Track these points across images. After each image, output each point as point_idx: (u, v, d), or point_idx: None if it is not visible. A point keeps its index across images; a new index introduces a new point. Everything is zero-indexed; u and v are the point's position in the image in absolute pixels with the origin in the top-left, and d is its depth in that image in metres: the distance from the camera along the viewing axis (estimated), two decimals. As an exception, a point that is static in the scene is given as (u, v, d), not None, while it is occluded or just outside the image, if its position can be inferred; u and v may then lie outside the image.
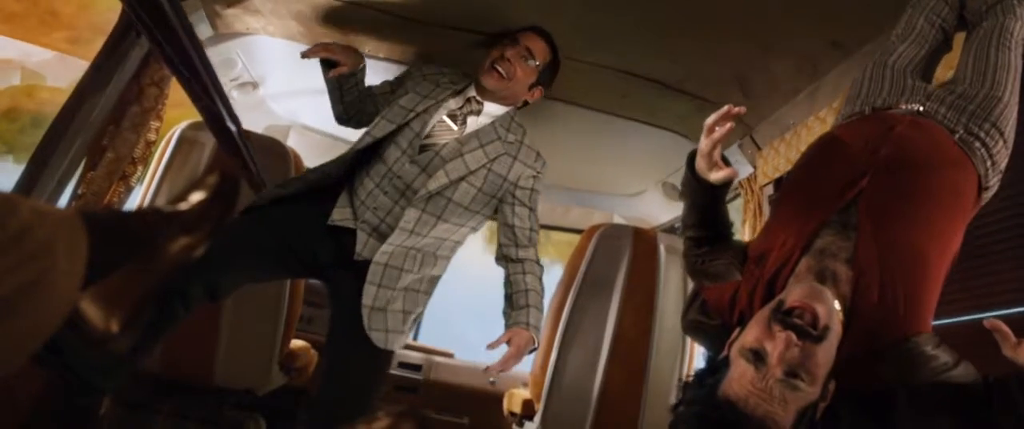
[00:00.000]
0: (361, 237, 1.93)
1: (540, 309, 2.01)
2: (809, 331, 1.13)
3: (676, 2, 2.05)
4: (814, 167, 1.50)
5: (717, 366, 1.23)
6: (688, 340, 2.89)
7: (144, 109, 2.17)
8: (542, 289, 2.05)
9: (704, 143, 1.35)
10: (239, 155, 2.20)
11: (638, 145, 3.04)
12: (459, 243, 2.10)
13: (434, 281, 2.07)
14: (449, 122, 2.02)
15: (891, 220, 1.28)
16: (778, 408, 1.11)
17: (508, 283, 2.02)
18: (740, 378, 1.15)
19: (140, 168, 2.28)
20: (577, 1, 2.11)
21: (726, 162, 1.38)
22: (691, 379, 1.28)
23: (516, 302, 1.98)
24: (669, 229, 3.59)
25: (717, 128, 1.32)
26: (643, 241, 3.00)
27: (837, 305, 1.21)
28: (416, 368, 3.58)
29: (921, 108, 1.48)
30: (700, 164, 1.38)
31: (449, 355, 3.83)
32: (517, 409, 2.86)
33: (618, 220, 3.83)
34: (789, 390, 1.11)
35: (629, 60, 2.42)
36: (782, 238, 1.32)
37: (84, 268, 0.90)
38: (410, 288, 1.96)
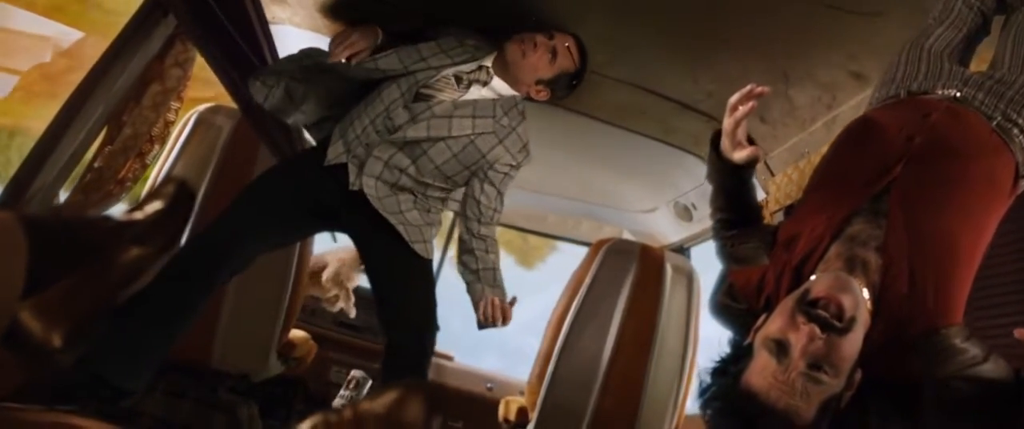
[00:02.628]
0: (352, 170, 2.00)
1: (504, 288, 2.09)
2: (834, 324, 1.10)
3: (699, 23, 2.05)
4: (847, 152, 1.46)
5: (741, 353, 1.22)
6: (688, 358, 2.87)
7: (166, 89, 2.20)
8: None
9: (727, 122, 1.34)
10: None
11: (652, 162, 3.03)
12: (445, 191, 2.12)
13: (437, 211, 2.14)
14: (453, 80, 2.04)
15: (923, 209, 1.25)
16: (800, 401, 1.10)
17: (475, 258, 2.07)
18: (762, 370, 1.13)
19: (157, 146, 2.31)
20: (602, 15, 2.11)
21: (750, 141, 1.36)
22: (717, 365, 1.26)
23: (487, 279, 2.05)
24: (678, 249, 3.57)
25: (740, 107, 1.31)
26: (649, 259, 2.99)
27: (866, 294, 1.18)
28: None
29: (958, 94, 1.42)
30: (724, 144, 1.37)
31: (449, 358, 3.83)
32: (512, 417, 2.85)
33: (627, 236, 3.82)
34: (812, 383, 1.09)
35: (649, 77, 2.42)
36: (812, 223, 1.30)
37: (23, 276, 0.83)
38: (419, 208, 2.06)
